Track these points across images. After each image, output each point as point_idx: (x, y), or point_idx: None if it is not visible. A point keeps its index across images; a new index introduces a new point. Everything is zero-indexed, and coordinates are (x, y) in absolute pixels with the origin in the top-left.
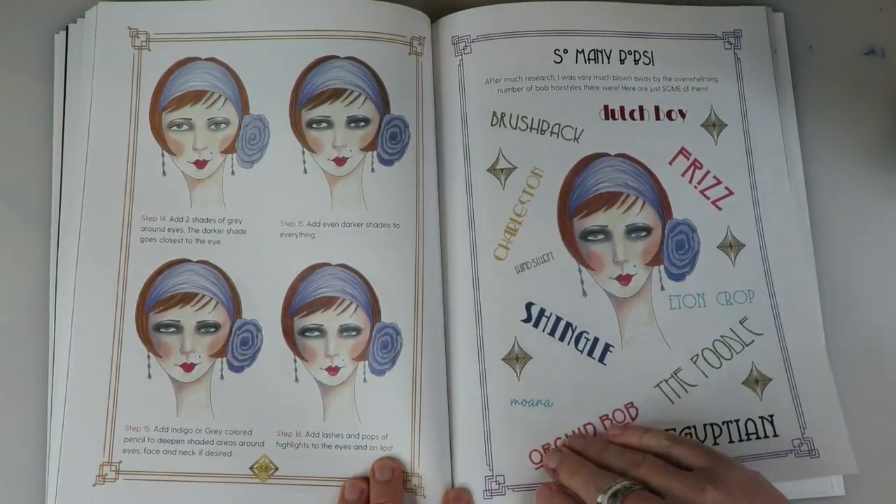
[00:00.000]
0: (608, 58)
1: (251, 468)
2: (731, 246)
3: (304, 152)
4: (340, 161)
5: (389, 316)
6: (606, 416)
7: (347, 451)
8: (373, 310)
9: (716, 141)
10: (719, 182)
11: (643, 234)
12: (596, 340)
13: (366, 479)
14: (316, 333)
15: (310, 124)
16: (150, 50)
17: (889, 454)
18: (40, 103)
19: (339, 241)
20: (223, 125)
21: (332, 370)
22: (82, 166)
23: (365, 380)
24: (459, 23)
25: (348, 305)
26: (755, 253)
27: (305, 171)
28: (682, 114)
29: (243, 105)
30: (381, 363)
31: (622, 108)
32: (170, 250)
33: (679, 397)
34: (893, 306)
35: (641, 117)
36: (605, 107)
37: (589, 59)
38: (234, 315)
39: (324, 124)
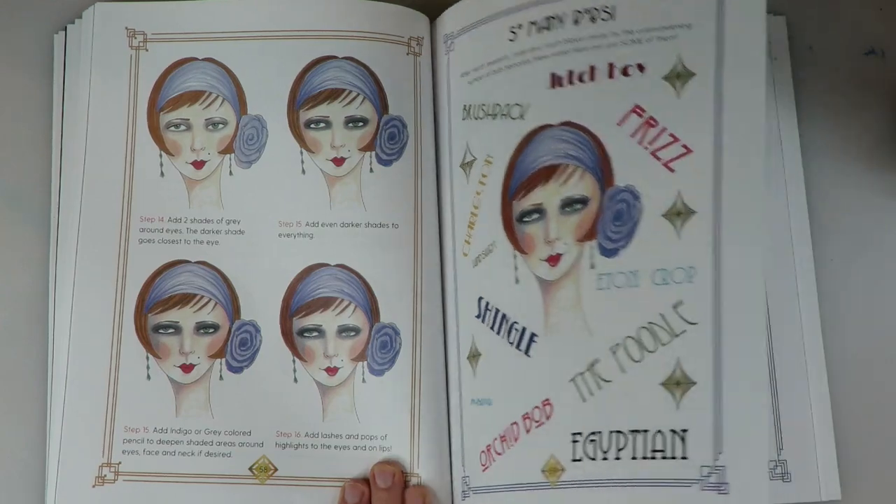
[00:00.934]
0: (561, 22)
1: (250, 469)
2: (678, 214)
3: (302, 152)
4: (339, 161)
5: (388, 316)
6: (527, 414)
7: (346, 452)
8: (371, 310)
9: (678, 93)
10: (676, 140)
11: (578, 206)
12: (524, 331)
13: (366, 481)
14: (315, 334)
15: (308, 124)
16: (147, 50)
17: (891, 458)
18: (40, 104)
19: (337, 241)
20: (221, 125)
21: (331, 370)
22: (80, 167)
23: (364, 380)
24: (448, 21)
25: (347, 306)
26: (706, 221)
27: (304, 172)
28: (641, 68)
29: (241, 105)
30: (380, 363)
31: (570, 74)
32: (168, 251)
33: (592, 395)
34: (894, 308)
35: (592, 78)
36: (552, 75)
37: (541, 29)
38: (233, 316)
39: (322, 124)
